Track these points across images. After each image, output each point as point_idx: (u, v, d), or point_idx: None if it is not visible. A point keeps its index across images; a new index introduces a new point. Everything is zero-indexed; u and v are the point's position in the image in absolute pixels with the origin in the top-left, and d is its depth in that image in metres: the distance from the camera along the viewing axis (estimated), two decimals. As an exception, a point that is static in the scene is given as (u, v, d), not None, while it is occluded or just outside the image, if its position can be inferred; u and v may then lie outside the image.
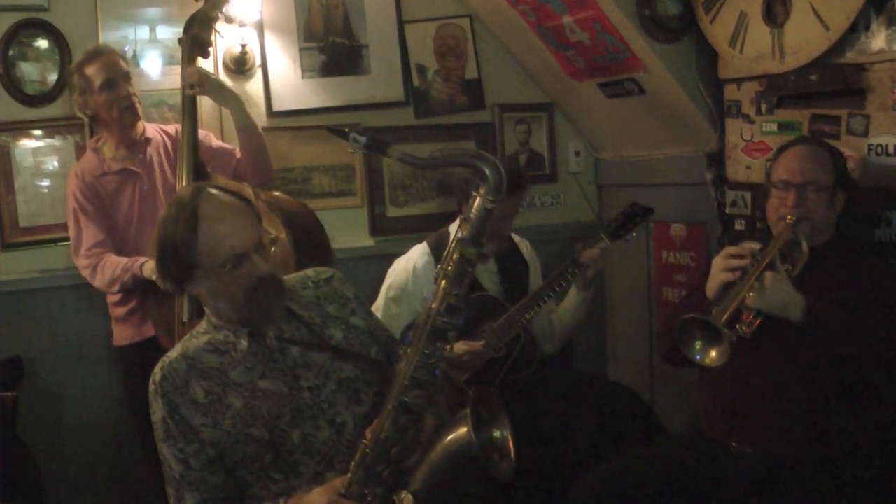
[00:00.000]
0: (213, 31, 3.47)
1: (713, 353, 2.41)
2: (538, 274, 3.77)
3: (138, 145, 3.44)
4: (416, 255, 3.57)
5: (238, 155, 3.50)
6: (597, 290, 4.68)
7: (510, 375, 3.45)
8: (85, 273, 3.37)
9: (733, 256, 2.58)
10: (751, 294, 2.42)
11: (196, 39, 3.37)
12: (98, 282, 3.34)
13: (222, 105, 3.40)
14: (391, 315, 3.50)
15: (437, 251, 3.53)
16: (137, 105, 3.39)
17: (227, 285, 2.06)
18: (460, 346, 3.31)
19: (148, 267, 3.17)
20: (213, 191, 2.11)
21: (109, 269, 3.29)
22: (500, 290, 3.58)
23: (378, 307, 3.53)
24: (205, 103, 3.61)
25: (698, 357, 2.43)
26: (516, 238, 3.75)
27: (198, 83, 3.30)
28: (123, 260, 3.28)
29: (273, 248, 2.15)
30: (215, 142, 3.55)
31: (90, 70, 3.32)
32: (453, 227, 3.60)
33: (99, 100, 3.33)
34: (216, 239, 2.03)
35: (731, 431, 2.66)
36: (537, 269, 3.78)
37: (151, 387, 2.11)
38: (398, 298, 3.53)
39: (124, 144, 3.42)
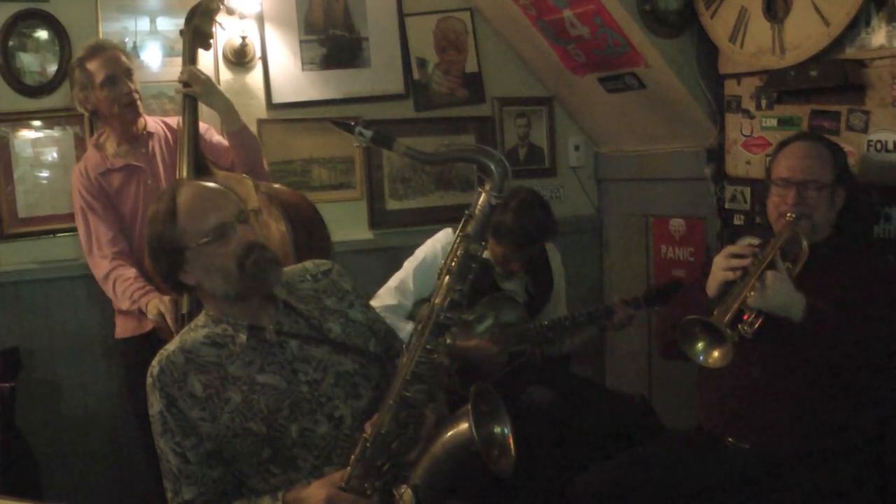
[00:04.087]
0: (214, 23, 3.46)
1: (716, 354, 2.40)
2: (560, 293, 3.80)
3: (140, 140, 3.43)
4: (444, 238, 3.58)
5: None
6: (595, 287, 4.72)
7: (504, 378, 3.46)
8: (97, 274, 3.37)
9: (734, 256, 2.56)
10: (752, 294, 2.41)
11: (197, 31, 3.37)
12: (107, 290, 3.35)
13: (210, 107, 3.37)
14: (415, 284, 3.50)
15: None
16: (138, 101, 3.38)
17: (216, 260, 2.07)
18: (478, 340, 3.38)
19: (152, 305, 3.17)
20: (192, 180, 2.14)
21: (120, 290, 3.29)
22: (523, 295, 3.61)
23: (406, 272, 3.53)
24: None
25: (701, 358, 2.42)
26: (549, 247, 3.77)
27: (189, 81, 3.30)
28: (134, 285, 3.26)
29: (258, 218, 2.16)
30: (215, 137, 3.54)
31: (92, 65, 3.31)
32: None
33: (100, 96, 3.32)
34: (195, 216, 2.06)
35: (728, 427, 2.67)
36: (562, 286, 3.81)
37: (149, 380, 2.11)
38: (428, 269, 3.51)
39: (126, 140, 3.41)
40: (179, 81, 3.33)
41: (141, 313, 3.28)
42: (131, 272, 3.30)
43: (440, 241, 3.57)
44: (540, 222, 3.40)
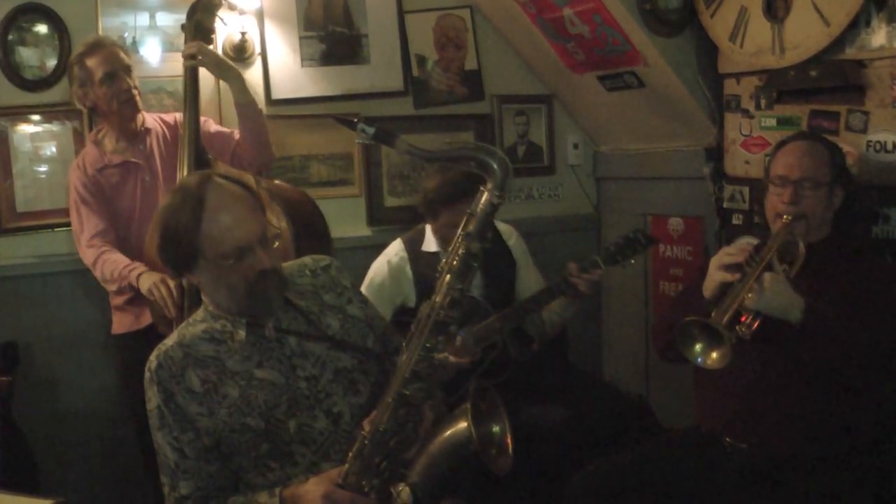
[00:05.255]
0: (216, 18, 3.46)
1: (714, 356, 2.40)
2: (528, 268, 3.67)
3: (139, 136, 3.44)
4: (392, 251, 3.56)
5: (237, 137, 3.49)
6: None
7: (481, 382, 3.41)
8: (87, 263, 3.38)
9: (731, 256, 2.57)
10: (750, 295, 2.41)
11: (199, 26, 3.38)
12: (97, 275, 3.36)
13: (221, 78, 3.41)
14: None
15: (411, 248, 3.53)
16: (137, 98, 3.38)
17: (228, 276, 2.05)
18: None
19: (144, 279, 3.17)
20: (220, 180, 2.09)
21: (108, 269, 3.28)
22: (481, 285, 3.49)
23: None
24: (204, 91, 3.58)
25: (699, 360, 2.42)
26: (502, 227, 3.67)
27: (196, 54, 3.31)
28: (122, 263, 3.27)
29: (276, 244, 2.14)
30: (213, 126, 3.55)
31: (91, 62, 3.31)
32: (430, 227, 3.54)
33: (99, 92, 3.32)
34: (220, 230, 2.02)
35: (726, 427, 2.67)
36: (527, 262, 3.68)
37: (147, 374, 2.11)
38: (375, 295, 3.45)
39: (124, 136, 3.42)
40: (186, 55, 3.34)
41: (134, 305, 3.29)
42: (119, 255, 3.31)
43: (388, 254, 3.56)
44: (463, 171, 3.28)
